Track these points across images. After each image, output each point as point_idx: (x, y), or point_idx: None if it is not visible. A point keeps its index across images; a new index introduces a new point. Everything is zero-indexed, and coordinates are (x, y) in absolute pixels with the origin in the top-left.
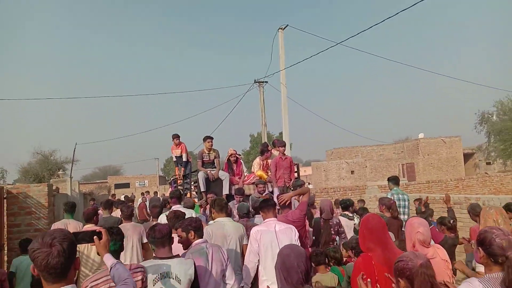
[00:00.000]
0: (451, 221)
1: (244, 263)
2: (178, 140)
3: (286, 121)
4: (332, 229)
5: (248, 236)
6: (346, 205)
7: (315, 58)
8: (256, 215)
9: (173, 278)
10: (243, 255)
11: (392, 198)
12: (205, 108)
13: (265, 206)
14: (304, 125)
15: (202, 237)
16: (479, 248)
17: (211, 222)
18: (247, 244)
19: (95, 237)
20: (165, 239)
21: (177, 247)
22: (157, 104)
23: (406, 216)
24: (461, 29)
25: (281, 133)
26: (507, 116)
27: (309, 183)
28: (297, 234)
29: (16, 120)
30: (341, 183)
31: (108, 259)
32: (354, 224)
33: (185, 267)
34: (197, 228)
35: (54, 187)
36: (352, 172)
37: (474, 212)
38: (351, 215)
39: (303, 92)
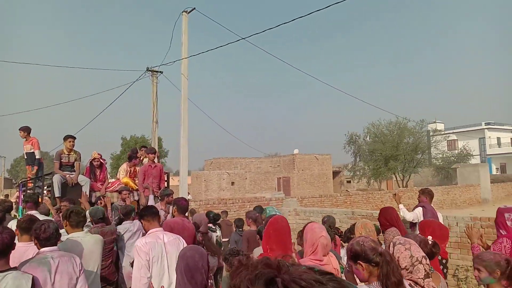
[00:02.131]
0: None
1: (134, 280)
2: (25, 133)
3: (186, 120)
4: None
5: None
6: (215, 218)
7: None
8: (124, 222)
9: None
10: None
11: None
12: (77, 96)
13: (149, 214)
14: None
15: (51, 246)
16: (359, 262)
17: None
18: None
19: None
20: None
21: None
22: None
23: None
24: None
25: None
26: (378, 138)
27: (188, 193)
28: (185, 244)
29: None
30: (221, 194)
31: None
32: (217, 236)
33: (19, 282)
34: (40, 235)
35: None
36: (233, 183)
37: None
38: (213, 227)
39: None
